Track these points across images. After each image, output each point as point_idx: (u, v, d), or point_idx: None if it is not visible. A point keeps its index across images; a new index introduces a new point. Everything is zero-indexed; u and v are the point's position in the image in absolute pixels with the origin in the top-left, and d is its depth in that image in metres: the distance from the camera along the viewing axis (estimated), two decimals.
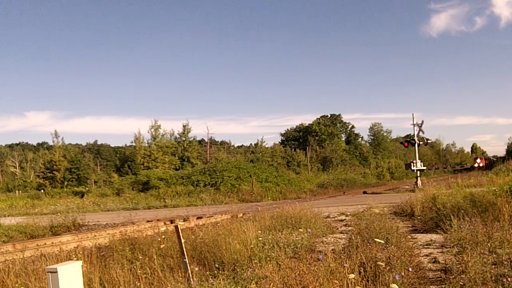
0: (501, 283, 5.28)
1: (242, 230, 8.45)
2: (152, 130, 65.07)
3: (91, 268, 6.77)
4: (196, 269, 6.52)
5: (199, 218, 17.11)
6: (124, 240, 9.52)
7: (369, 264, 5.70)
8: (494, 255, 6.77)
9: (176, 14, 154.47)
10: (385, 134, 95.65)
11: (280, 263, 6.42)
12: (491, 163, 77.08)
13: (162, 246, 8.17)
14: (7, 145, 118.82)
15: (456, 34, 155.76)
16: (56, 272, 4.63)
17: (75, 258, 7.70)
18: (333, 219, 14.89)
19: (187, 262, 6.33)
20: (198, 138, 76.02)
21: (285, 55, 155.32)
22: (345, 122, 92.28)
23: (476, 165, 76.65)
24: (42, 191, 53.63)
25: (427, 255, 7.91)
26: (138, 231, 11.89)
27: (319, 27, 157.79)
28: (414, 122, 30.81)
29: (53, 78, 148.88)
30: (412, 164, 31.77)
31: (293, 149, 78.42)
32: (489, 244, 7.35)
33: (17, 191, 57.65)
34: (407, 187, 35.10)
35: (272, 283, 5.17)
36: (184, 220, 16.39)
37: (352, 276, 4.77)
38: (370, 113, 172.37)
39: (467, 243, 7.59)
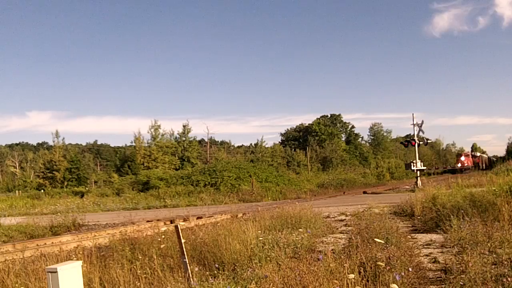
0: (501, 283, 5.28)
1: (242, 230, 8.45)
2: (152, 130, 65.10)
3: (91, 268, 6.77)
4: (196, 269, 6.52)
5: (199, 218, 17.10)
6: (124, 240, 9.53)
7: (369, 264, 5.70)
8: (494, 255, 6.76)
9: (176, 14, 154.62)
10: (385, 134, 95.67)
11: (280, 263, 6.42)
12: (490, 163, 72.02)
13: (162, 246, 8.17)
14: (7, 145, 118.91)
15: (458, 34, 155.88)
16: (56, 272, 4.64)
17: (75, 258, 7.70)
18: (333, 219, 14.89)
19: (187, 262, 6.32)
20: (198, 138, 76.00)
21: (285, 55, 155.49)
22: (345, 122, 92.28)
23: (459, 165, 62.97)
24: (42, 191, 53.63)
25: (427, 255, 7.91)
26: (138, 231, 11.89)
27: (320, 26, 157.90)
28: (414, 122, 30.80)
29: (54, 78, 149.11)
30: (412, 164, 31.77)
31: (293, 149, 78.35)
32: (489, 244, 7.34)
33: (17, 191, 57.65)
34: (407, 187, 35.07)
35: (272, 283, 5.17)
36: (184, 220, 16.37)
37: (352, 276, 4.78)
38: (370, 113, 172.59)
39: (467, 243, 7.59)
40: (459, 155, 70.38)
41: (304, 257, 6.35)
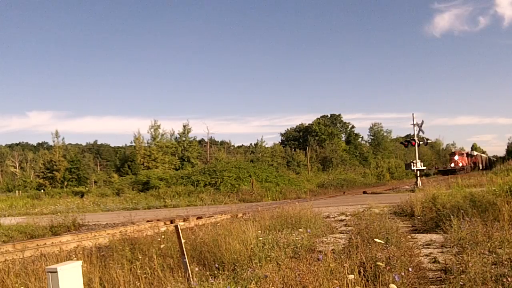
0: (501, 283, 5.28)
1: (242, 230, 8.45)
2: (152, 130, 65.10)
3: (91, 268, 6.77)
4: (196, 269, 6.52)
5: (199, 218, 17.10)
6: (124, 240, 9.52)
7: (369, 264, 5.70)
8: (494, 255, 6.76)
9: (176, 14, 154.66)
10: (385, 134, 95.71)
11: (280, 263, 6.42)
12: (490, 162, 70.03)
13: (162, 246, 8.17)
14: (7, 145, 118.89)
15: (459, 34, 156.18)
16: (56, 272, 4.63)
17: (75, 258, 7.70)
18: (333, 219, 14.89)
19: (187, 262, 6.32)
20: (198, 138, 76.04)
21: (286, 55, 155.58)
22: (345, 122, 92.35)
23: (453, 164, 57.44)
24: (42, 191, 53.61)
25: (427, 255, 7.91)
26: (138, 231, 11.90)
27: (320, 26, 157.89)
28: (414, 122, 30.80)
29: (54, 78, 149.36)
30: (412, 164, 31.76)
31: (293, 149, 78.36)
32: (489, 244, 7.34)
33: (17, 191, 57.62)
34: (407, 187, 35.05)
35: (272, 283, 5.17)
36: (184, 220, 16.38)
37: (352, 276, 4.77)
38: (370, 113, 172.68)
39: (467, 243, 7.58)
40: (452, 154, 63.79)
41: (304, 257, 6.35)
